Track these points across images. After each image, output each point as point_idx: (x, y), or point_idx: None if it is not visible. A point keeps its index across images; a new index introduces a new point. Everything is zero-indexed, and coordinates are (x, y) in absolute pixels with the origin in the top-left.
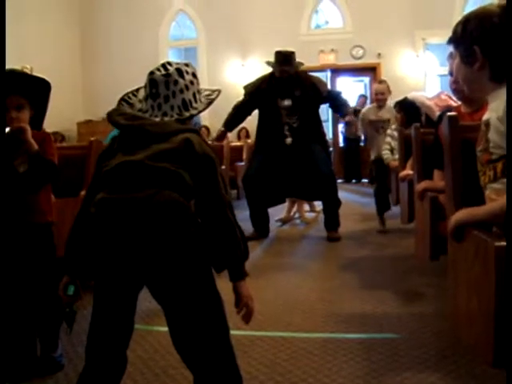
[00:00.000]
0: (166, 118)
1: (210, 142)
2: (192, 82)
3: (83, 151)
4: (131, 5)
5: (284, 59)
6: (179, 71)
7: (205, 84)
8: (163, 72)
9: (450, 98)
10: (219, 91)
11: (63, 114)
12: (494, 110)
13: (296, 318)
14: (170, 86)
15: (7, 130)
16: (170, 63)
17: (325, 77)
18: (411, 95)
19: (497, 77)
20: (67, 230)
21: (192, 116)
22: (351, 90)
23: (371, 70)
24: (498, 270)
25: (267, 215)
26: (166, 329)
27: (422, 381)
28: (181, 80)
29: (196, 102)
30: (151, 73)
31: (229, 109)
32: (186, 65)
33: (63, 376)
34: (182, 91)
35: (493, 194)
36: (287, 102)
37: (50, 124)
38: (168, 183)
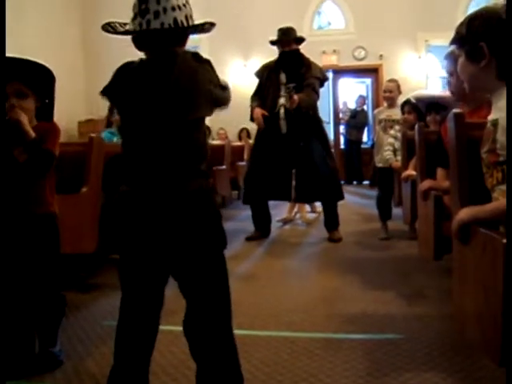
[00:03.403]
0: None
1: (211, 141)
2: (185, 5)
3: (84, 148)
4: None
5: (283, 33)
6: None
7: None
8: None
9: None
10: (213, 23)
11: (65, 113)
12: (501, 110)
13: (297, 317)
14: (161, 2)
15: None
16: None
17: None
18: (417, 95)
19: (504, 75)
20: (68, 226)
21: (183, 36)
22: (353, 91)
23: (373, 72)
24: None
25: (269, 215)
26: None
27: (425, 381)
28: None
29: (188, 25)
30: None
31: (230, 109)
32: None
33: (61, 373)
34: (173, 9)
35: (501, 196)
36: (286, 78)
37: None
38: (186, 162)
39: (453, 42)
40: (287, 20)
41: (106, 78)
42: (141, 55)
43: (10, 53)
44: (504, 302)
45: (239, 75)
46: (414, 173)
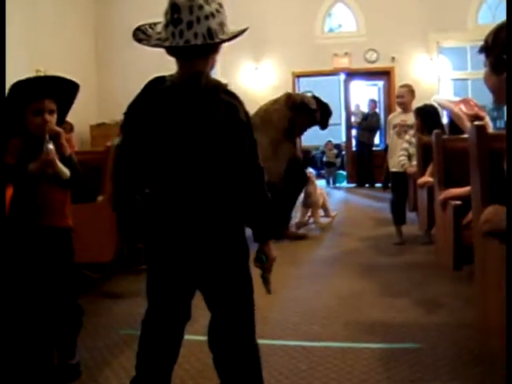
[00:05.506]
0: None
1: None
2: (218, 11)
3: (100, 156)
4: (146, 9)
5: None
6: None
7: None
8: None
9: (476, 105)
10: (247, 28)
11: (77, 117)
12: None
13: (315, 326)
14: (195, 11)
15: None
16: None
17: (338, 81)
18: (437, 100)
19: None
20: (85, 236)
21: (216, 45)
22: (365, 93)
23: (385, 74)
24: None
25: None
26: (185, 337)
27: None
28: (206, 6)
29: (222, 33)
30: None
31: None
32: None
33: None
34: (207, 18)
35: None
36: None
37: None
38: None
39: (481, 50)
40: (298, 22)
41: (117, 81)
42: (153, 57)
43: (24, 55)
44: None
45: (250, 78)
46: (430, 179)
